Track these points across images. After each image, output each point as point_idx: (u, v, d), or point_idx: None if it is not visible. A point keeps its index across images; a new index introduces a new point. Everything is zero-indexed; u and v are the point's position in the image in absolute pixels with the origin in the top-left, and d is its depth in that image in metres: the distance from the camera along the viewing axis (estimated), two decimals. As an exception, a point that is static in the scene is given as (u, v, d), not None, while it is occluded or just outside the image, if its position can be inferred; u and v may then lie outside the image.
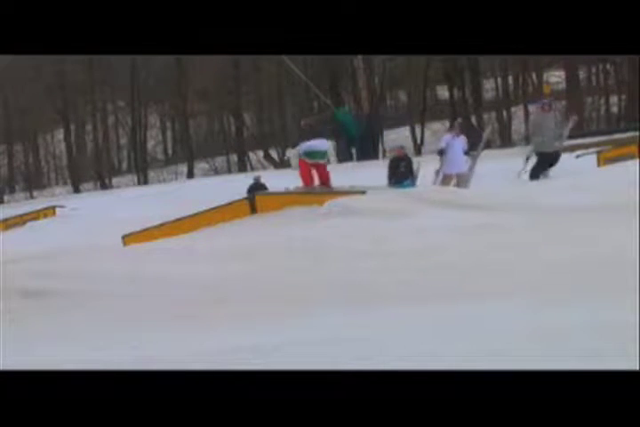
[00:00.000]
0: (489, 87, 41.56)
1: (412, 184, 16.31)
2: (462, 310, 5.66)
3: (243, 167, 43.87)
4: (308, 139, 14.27)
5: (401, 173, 16.87)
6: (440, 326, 5.08)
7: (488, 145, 17.03)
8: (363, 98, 37.97)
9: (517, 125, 37.90)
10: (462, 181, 16.13)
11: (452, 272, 7.33)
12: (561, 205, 9.15)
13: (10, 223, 22.30)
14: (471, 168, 16.31)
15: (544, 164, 15.57)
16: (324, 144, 14.19)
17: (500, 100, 39.61)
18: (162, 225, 13.17)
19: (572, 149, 20.83)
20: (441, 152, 16.62)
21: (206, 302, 7.27)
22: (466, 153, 16.72)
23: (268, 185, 21.04)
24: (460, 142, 16.68)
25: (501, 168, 18.19)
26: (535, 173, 15.47)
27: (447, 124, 38.16)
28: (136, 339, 5.78)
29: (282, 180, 22.05)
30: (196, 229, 11.35)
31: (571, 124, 16.53)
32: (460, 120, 19.49)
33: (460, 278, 7.09)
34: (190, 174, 45.59)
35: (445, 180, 16.32)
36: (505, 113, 37.33)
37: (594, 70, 39.28)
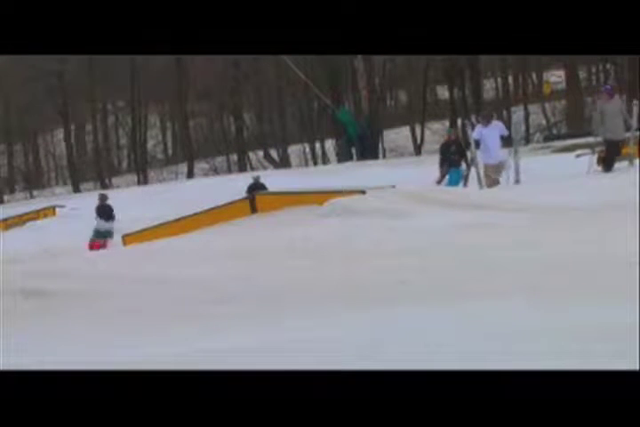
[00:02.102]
0: (489, 87, 41.58)
1: (461, 176, 15.60)
2: (462, 310, 5.66)
3: (243, 167, 43.86)
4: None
5: (453, 159, 16.02)
6: (440, 326, 5.08)
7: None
8: (363, 98, 37.93)
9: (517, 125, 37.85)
10: (497, 171, 15.31)
11: (452, 272, 7.34)
12: (561, 205, 9.14)
13: (10, 223, 22.28)
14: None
15: (615, 152, 14.59)
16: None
17: (500, 100, 39.61)
18: (162, 225, 13.17)
19: (572, 148, 20.79)
20: (476, 143, 15.78)
21: (206, 302, 7.27)
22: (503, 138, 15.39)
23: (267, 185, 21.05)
24: (494, 131, 15.62)
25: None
26: (609, 164, 14.44)
27: (447, 123, 38.16)
28: (136, 339, 5.78)
29: (282, 180, 22.10)
30: (197, 229, 11.34)
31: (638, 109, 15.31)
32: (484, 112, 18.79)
33: (460, 278, 7.09)
34: (190, 174, 45.57)
35: (487, 170, 15.32)
36: (505, 113, 37.29)
37: (594, 70, 39.28)
